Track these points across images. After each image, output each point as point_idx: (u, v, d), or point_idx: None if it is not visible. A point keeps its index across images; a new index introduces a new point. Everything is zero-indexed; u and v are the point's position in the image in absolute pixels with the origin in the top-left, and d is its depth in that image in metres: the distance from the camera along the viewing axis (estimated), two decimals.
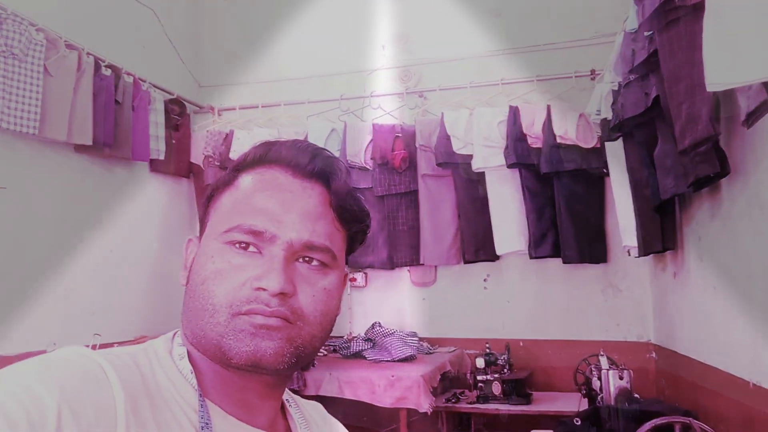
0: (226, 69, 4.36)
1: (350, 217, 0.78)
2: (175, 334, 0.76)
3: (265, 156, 0.76)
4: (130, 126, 3.44)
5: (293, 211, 0.72)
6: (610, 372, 1.84)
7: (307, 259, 0.72)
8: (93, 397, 0.60)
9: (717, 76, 1.40)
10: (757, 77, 1.33)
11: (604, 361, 1.98)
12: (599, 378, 1.92)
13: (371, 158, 3.73)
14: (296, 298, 0.70)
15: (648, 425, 1.23)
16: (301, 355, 0.71)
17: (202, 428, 0.67)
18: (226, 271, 0.69)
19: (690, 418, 0.96)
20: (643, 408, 1.65)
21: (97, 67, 3.23)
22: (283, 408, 0.83)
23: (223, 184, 0.77)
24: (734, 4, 1.39)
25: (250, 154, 0.77)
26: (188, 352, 0.72)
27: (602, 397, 1.86)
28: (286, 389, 0.85)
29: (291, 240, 0.70)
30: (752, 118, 1.54)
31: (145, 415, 0.64)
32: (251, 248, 0.70)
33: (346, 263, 0.82)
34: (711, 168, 1.86)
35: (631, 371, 1.88)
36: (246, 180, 0.75)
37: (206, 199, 0.79)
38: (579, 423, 1.63)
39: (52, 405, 0.56)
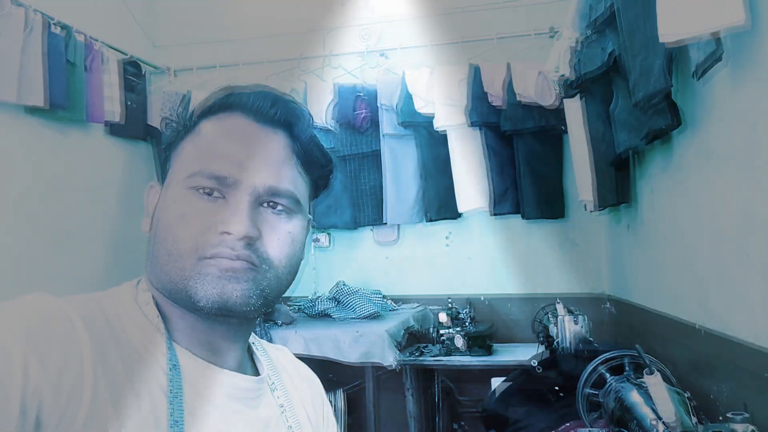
0: (182, 29, 4.24)
1: (313, 162, 0.79)
2: (139, 281, 0.76)
3: (226, 102, 0.76)
4: (84, 87, 3.34)
5: (257, 156, 0.72)
6: (566, 318, 1.92)
7: (271, 204, 0.73)
8: (59, 341, 0.60)
9: (669, 28, 1.44)
10: (706, 29, 1.37)
11: (560, 309, 2.06)
12: (556, 325, 2.00)
13: (333, 118, 3.71)
14: (261, 242, 0.71)
15: (598, 359, 1.31)
16: (267, 297, 0.72)
17: (170, 370, 0.68)
18: (191, 216, 0.70)
19: (638, 347, 1.02)
20: (596, 349, 1.73)
21: (46, 25, 3.11)
22: (249, 351, 0.85)
23: (184, 130, 0.77)
24: None
25: (210, 100, 0.77)
26: (153, 298, 0.73)
27: (558, 342, 1.94)
28: (253, 334, 0.87)
29: (255, 185, 0.71)
30: (702, 69, 1.59)
31: (113, 358, 0.64)
32: (215, 193, 0.71)
33: (309, 210, 0.83)
34: (663, 120, 1.91)
35: (586, 316, 1.96)
36: (207, 126, 0.75)
37: (167, 146, 0.79)
38: (536, 364, 1.71)
39: (17, 351, 0.57)
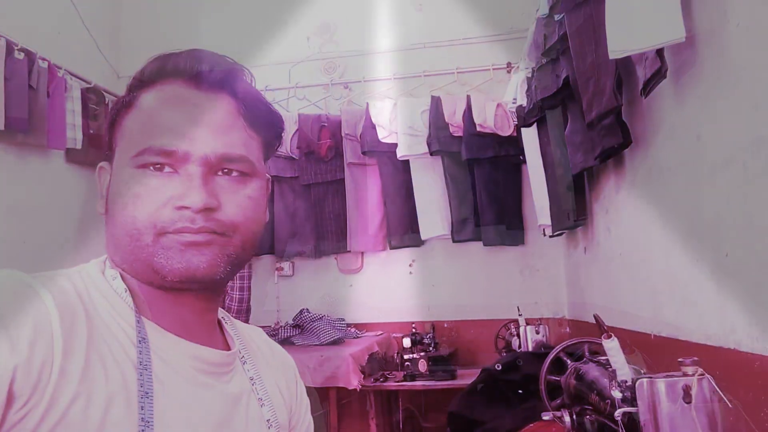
0: (146, 60, 4.25)
1: (262, 121, 0.76)
2: (106, 259, 0.75)
3: (162, 70, 0.73)
4: (45, 113, 3.32)
5: (202, 124, 0.70)
6: (528, 327, 1.98)
7: (226, 171, 0.71)
8: (27, 316, 0.60)
9: (617, 45, 1.55)
10: (651, 44, 1.49)
11: (521, 320, 2.11)
12: (518, 335, 2.05)
13: (297, 147, 3.77)
14: (222, 210, 0.70)
15: (560, 346, 1.36)
16: (234, 263, 0.72)
17: (140, 343, 0.67)
18: (145, 194, 0.68)
19: (596, 315, 1.07)
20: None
21: (10, 50, 3.10)
22: (220, 326, 0.84)
23: (123, 106, 0.74)
24: None
25: (146, 70, 0.74)
26: (120, 275, 0.72)
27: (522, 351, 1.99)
28: (223, 310, 0.87)
29: (206, 155, 0.69)
30: (648, 86, 1.71)
31: (82, 331, 0.64)
32: (166, 168, 0.69)
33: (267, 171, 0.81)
34: (615, 139, 2.03)
35: (547, 326, 2.03)
36: (147, 98, 0.72)
37: (108, 124, 0.76)
38: (500, 368, 1.75)
39: None
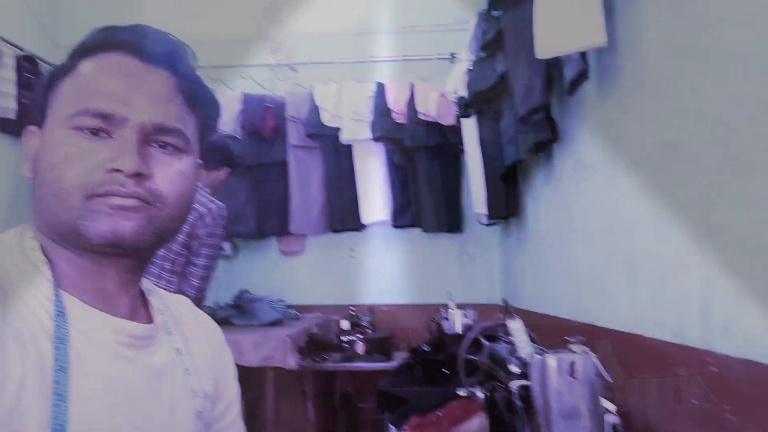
0: (86, 30, 4.12)
1: (200, 101, 0.78)
2: (25, 229, 0.74)
3: (107, 40, 0.74)
4: None
5: (142, 93, 0.71)
6: (457, 312, 2.08)
7: (160, 143, 0.72)
8: None
9: (544, 47, 1.63)
10: (574, 47, 1.58)
11: (451, 304, 2.22)
12: (448, 320, 2.15)
13: (241, 127, 3.75)
14: (153, 180, 0.70)
15: (478, 328, 1.44)
16: (161, 235, 0.72)
17: (57, 316, 0.66)
18: (77, 156, 0.68)
19: (504, 299, 1.16)
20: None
21: None
22: (144, 298, 0.83)
23: (62, 71, 0.74)
24: None
25: (89, 40, 0.75)
26: (41, 246, 0.71)
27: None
28: (148, 280, 0.85)
29: (143, 122, 0.70)
30: (573, 86, 1.80)
31: None
32: (101, 133, 0.69)
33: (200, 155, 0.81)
34: (544, 134, 2.13)
35: (475, 311, 2.14)
36: (88, 66, 0.73)
37: (43, 88, 0.75)
38: (428, 349, 1.84)
39: None
